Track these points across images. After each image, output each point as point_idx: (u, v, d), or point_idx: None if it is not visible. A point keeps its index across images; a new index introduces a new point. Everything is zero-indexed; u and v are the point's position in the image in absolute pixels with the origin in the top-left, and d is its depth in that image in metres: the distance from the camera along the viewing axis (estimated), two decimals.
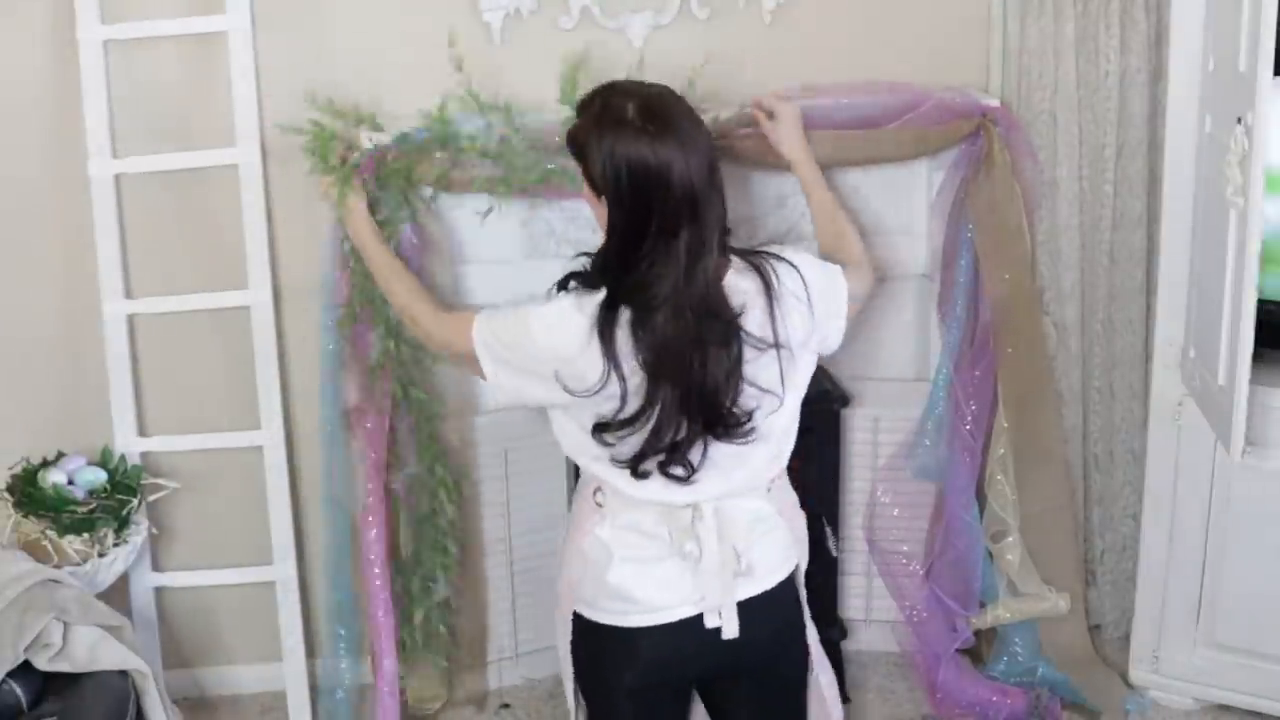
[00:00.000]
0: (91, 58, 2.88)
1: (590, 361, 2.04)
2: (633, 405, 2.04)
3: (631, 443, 2.09)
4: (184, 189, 3.02)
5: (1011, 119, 3.04)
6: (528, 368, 2.12)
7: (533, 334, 2.10)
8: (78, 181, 2.96)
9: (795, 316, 2.12)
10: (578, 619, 2.25)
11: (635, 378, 2.03)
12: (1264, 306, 2.63)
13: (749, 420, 2.09)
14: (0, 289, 3.03)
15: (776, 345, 2.08)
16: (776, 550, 2.25)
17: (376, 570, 2.96)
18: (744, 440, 2.10)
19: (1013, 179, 3.02)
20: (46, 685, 2.56)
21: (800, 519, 2.33)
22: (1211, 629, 3.09)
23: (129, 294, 3.02)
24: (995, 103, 3.04)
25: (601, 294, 2.05)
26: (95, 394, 3.06)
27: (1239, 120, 2.52)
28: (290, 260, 3.01)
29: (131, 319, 3.04)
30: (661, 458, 2.09)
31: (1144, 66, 3.07)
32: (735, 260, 2.11)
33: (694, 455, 2.09)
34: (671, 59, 3.04)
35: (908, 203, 3.17)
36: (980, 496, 3.17)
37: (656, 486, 2.14)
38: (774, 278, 2.09)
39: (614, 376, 2.02)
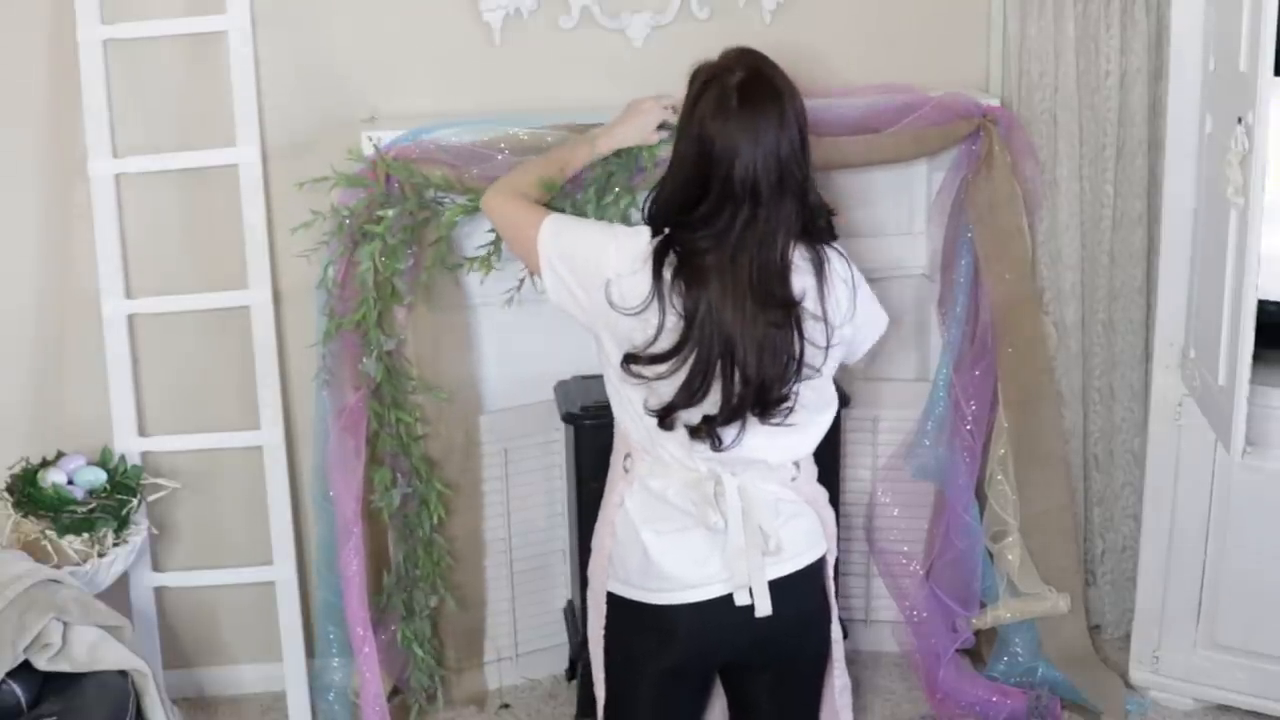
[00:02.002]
0: (91, 58, 2.88)
1: (639, 282, 2.09)
2: (665, 343, 2.08)
3: (662, 391, 2.11)
4: (184, 189, 3.02)
5: (1011, 119, 3.05)
6: (581, 277, 2.17)
7: (604, 247, 2.15)
8: (78, 181, 2.96)
9: (842, 299, 2.16)
10: (611, 598, 2.26)
11: (673, 317, 2.07)
12: (1264, 306, 2.63)
13: (793, 400, 2.13)
14: (0, 288, 3.02)
15: (825, 320, 2.12)
16: (802, 534, 2.26)
17: (355, 593, 2.96)
18: (781, 421, 2.13)
19: (1013, 179, 3.02)
20: (46, 685, 2.55)
21: (830, 514, 2.34)
22: (1211, 629, 3.08)
23: (129, 294, 3.02)
24: (995, 103, 3.04)
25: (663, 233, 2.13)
26: (95, 394, 3.05)
27: (1239, 120, 2.52)
28: (290, 260, 3.01)
29: (131, 319, 3.04)
30: (694, 420, 2.11)
31: (1144, 66, 3.07)
32: (800, 248, 2.13)
33: (727, 433, 2.12)
34: (671, 59, 3.04)
35: (908, 203, 3.17)
36: (980, 496, 3.17)
37: (680, 449, 2.17)
38: (826, 259, 2.14)
39: (655, 305, 2.07)
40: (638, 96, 2.60)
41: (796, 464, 2.25)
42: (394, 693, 3.17)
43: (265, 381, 3.04)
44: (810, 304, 2.11)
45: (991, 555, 3.18)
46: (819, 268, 2.12)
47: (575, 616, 3.20)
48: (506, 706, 3.25)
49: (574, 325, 2.83)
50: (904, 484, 3.23)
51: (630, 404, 2.20)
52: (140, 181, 2.98)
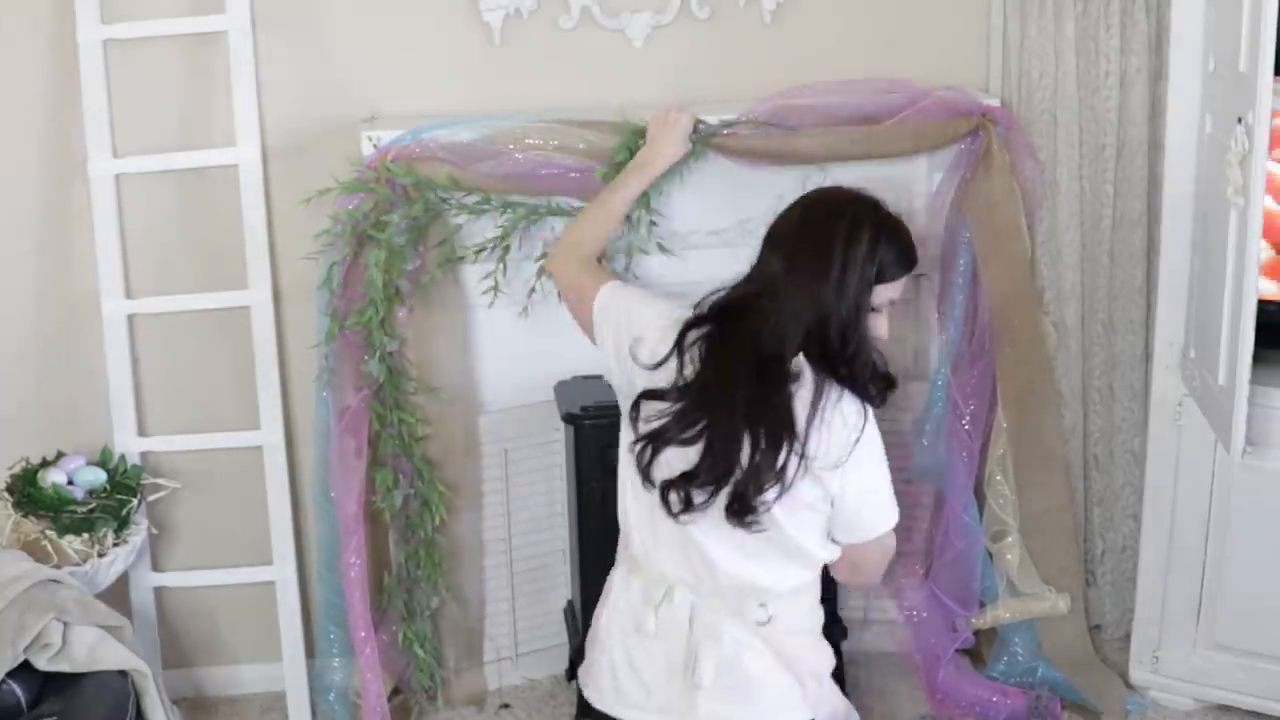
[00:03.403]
0: (91, 58, 2.88)
1: (665, 342, 2.14)
2: (674, 392, 2.12)
3: (654, 422, 2.13)
4: (184, 189, 3.02)
5: (1011, 119, 3.04)
6: (617, 333, 2.25)
7: (647, 306, 2.25)
8: (77, 181, 2.96)
9: (834, 442, 2.09)
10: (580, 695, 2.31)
11: (687, 371, 2.12)
12: (1264, 307, 2.63)
13: (762, 510, 2.08)
14: (0, 288, 3.02)
15: (804, 447, 2.07)
16: (756, 687, 2.16)
17: (358, 594, 2.97)
18: (747, 528, 2.09)
19: (1012, 179, 3.02)
20: (46, 685, 2.56)
21: (819, 683, 2.24)
22: (1211, 629, 3.08)
23: (129, 294, 3.02)
24: (995, 103, 3.04)
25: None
26: (95, 394, 3.06)
27: (1239, 120, 2.52)
28: (290, 260, 3.01)
29: (131, 319, 3.04)
30: (674, 471, 2.10)
31: (1144, 66, 3.07)
32: (811, 368, 2.10)
33: (698, 495, 2.09)
34: (671, 59, 3.05)
35: (907, 202, 3.16)
36: (980, 496, 3.17)
37: (650, 540, 2.18)
38: (829, 389, 2.08)
39: (673, 362, 2.11)
40: (656, 113, 2.74)
41: (764, 607, 2.17)
42: (394, 693, 3.17)
43: (265, 381, 3.04)
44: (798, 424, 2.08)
45: (991, 555, 3.18)
46: (817, 393, 2.08)
47: (575, 616, 3.20)
48: (506, 706, 3.25)
49: (574, 326, 2.85)
50: (903, 484, 3.22)
51: (629, 491, 2.21)
52: (140, 181, 2.98)
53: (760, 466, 2.05)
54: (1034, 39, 3.06)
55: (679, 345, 2.12)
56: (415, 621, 3.10)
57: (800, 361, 2.09)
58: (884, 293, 2.16)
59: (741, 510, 2.07)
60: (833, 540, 2.20)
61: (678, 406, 2.09)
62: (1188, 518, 3.05)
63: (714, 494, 2.08)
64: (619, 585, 2.28)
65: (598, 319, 2.31)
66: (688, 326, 2.14)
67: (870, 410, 2.13)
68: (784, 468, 2.05)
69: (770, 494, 2.06)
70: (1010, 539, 3.17)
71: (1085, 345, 3.25)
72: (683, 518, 2.12)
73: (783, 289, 2.09)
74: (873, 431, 2.14)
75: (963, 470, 3.10)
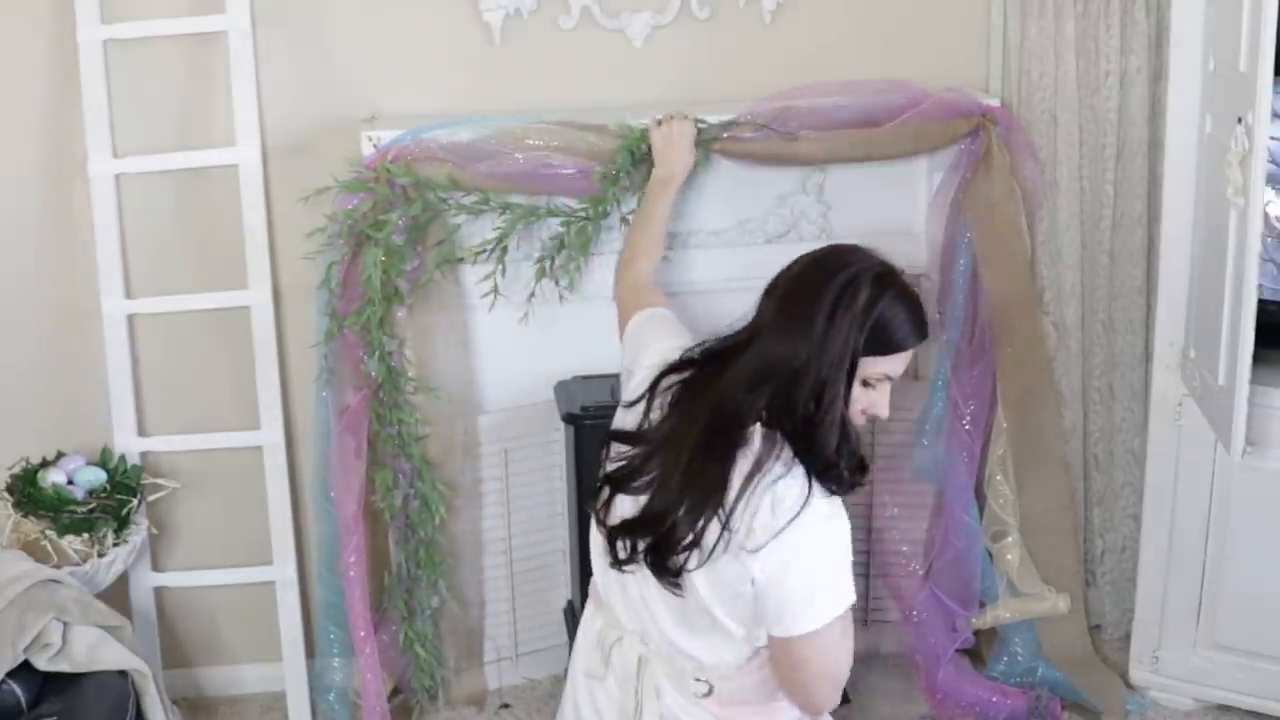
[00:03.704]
0: (91, 58, 2.88)
1: (645, 381, 2.07)
2: (637, 436, 2.03)
3: (614, 464, 2.04)
4: (184, 189, 3.02)
5: (1011, 119, 3.05)
6: (627, 357, 2.27)
7: (653, 343, 2.20)
8: (77, 181, 2.96)
9: (758, 523, 1.89)
10: None
11: (655, 415, 2.03)
12: (1264, 306, 2.63)
13: (680, 567, 1.93)
14: (0, 288, 3.02)
15: (727, 520, 1.90)
16: None
17: (357, 594, 2.97)
18: (670, 585, 1.96)
19: (1012, 179, 3.02)
20: (46, 685, 2.56)
21: None
22: (1211, 629, 3.08)
23: (129, 294, 3.02)
24: (995, 103, 3.04)
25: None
26: (95, 394, 3.06)
27: (1239, 120, 2.52)
28: (290, 260, 3.01)
29: (131, 319, 3.04)
30: (624, 515, 2.02)
31: (1144, 66, 3.07)
32: (764, 436, 1.93)
33: (640, 544, 1.99)
34: (671, 59, 3.05)
35: (907, 202, 3.17)
36: (980, 496, 3.17)
37: (606, 587, 2.13)
38: (769, 463, 1.90)
39: (643, 402, 2.04)
40: (656, 129, 2.78)
41: (701, 681, 2.03)
42: (394, 693, 3.17)
43: (265, 381, 3.04)
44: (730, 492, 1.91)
45: (991, 555, 3.19)
46: (755, 466, 1.90)
47: (575, 617, 3.20)
48: (506, 706, 3.25)
49: (574, 326, 2.86)
50: (904, 484, 3.23)
51: (592, 518, 2.13)
52: (140, 181, 2.98)
53: (678, 526, 1.91)
54: (1034, 39, 3.06)
55: (652, 389, 2.04)
56: (415, 621, 3.10)
57: (755, 429, 1.93)
58: (879, 365, 1.95)
59: (658, 567, 1.96)
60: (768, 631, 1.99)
61: (635, 452, 2.01)
62: (1188, 518, 3.05)
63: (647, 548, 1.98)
64: (587, 620, 2.22)
65: (623, 344, 2.32)
66: (666, 371, 2.03)
67: (818, 495, 1.90)
68: (700, 536, 1.90)
69: (686, 559, 1.92)
70: (1010, 539, 3.17)
71: (1085, 345, 3.25)
72: (626, 568, 2.02)
73: (763, 338, 1.94)
74: (816, 520, 1.89)
75: (963, 470, 3.10)
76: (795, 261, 2.02)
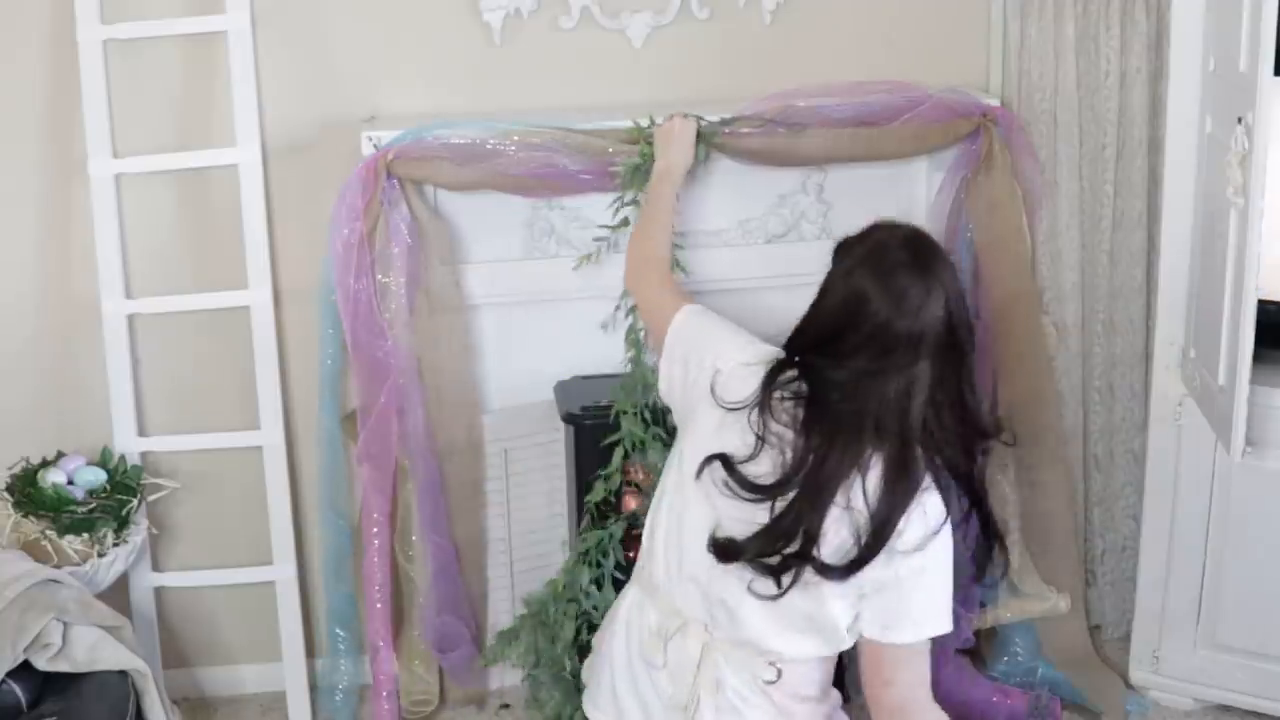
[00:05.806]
0: (91, 58, 2.87)
1: (748, 382, 2.05)
2: (765, 474, 2.01)
3: (727, 525, 2.05)
4: (184, 189, 3.02)
5: (1011, 119, 3.05)
6: (693, 357, 2.18)
7: (729, 340, 2.18)
8: (77, 181, 2.96)
9: (914, 533, 2.01)
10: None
11: (772, 443, 2.01)
12: (1264, 306, 2.63)
13: (793, 576, 2.00)
14: (0, 288, 3.02)
15: (884, 531, 1.98)
16: None
17: (377, 589, 2.99)
18: (769, 581, 2.02)
19: (1012, 179, 3.02)
20: (46, 685, 2.56)
21: None
22: (1211, 629, 3.08)
23: (129, 294, 3.02)
24: (995, 103, 3.04)
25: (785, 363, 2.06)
26: (95, 394, 3.05)
27: (1239, 120, 2.52)
28: (290, 260, 3.01)
29: (131, 319, 3.04)
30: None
31: (1144, 66, 3.07)
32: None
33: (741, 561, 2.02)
34: (671, 59, 3.05)
35: (908, 203, 3.16)
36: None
37: (669, 579, 2.13)
38: (920, 484, 2.00)
39: (755, 414, 2.02)
40: (659, 129, 2.78)
41: (774, 665, 2.10)
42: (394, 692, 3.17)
43: (265, 381, 3.04)
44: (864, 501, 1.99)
45: (992, 555, 3.18)
46: (910, 476, 2.00)
47: None
48: (506, 706, 3.25)
49: (574, 326, 2.84)
50: None
51: (663, 509, 2.16)
52: (140, 181, 2.98)
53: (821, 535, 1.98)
54: (1034, 39, 3.06)
55: (763, 400, 2.01)
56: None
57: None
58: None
59: (773, 561, 2.00)
60: (863, 633, 2.08)
61: (775, 480, 2.00)
62: (1188, 518, 3.05)
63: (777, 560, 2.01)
64: (632, 607, 2.23)
65: (670, 340, 2.26)
66: (776, 371, 2.04)
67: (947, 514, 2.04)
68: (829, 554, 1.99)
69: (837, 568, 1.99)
70: (1011, 539, 3.17)
71: (1085, 345, 3.25)
72: (728, 564, 2.04)
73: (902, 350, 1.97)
74: (948, 536, 2.05)
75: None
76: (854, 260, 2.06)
